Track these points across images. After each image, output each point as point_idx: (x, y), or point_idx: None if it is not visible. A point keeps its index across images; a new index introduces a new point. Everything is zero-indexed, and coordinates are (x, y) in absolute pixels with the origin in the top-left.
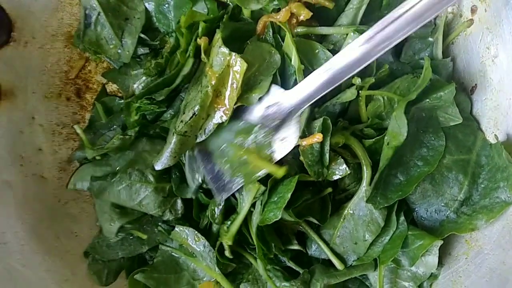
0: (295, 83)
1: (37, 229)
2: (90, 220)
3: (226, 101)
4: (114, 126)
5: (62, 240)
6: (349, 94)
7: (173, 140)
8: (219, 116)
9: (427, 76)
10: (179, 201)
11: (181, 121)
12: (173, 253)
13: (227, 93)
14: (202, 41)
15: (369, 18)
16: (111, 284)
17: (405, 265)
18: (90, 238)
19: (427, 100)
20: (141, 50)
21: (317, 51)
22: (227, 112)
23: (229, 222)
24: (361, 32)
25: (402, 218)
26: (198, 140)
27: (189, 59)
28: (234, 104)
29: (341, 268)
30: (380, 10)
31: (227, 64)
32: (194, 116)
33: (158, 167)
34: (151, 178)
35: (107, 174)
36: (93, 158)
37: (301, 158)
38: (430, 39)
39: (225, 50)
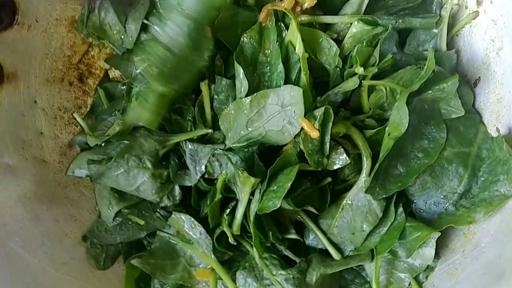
0: (299, 71)
1: (37, 212)
2: (89, 205)
3: None
4: (116, 112)
5: (61, 224)
6: (351, 83)
7: None
8: None
9: (430, 67)
10: (177, 188)
11: None
12: (170, 240)
13: None
14: None
15: (374, 7)
16: (108, 269)
17: (401, 257)
18: (89, 223)
19: (430, 91)
20: (144, 36)
21: (320, 40)
22: None
23: (227, 210)
24: (365, 21)
25: (400, 209)
26: None
27: None
28: None
29: (338, 258)
30: (385, 0)
31: None
32: None
33: None
34: (149, 164)
35: (104, 159)
36: (95, 145)
37: (301, 146)
38: (435, 30)
39: None
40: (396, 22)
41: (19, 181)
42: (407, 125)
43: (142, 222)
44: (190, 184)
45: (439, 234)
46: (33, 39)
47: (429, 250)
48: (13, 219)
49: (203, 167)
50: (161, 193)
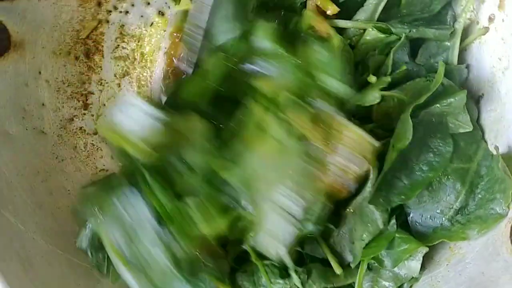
0: None
1: (31, 182)
2: (84, 180)
3: None
4: None
5: (54, 196)
6: (371, 98)
7: None
8: None
9: (438, 80)
10: None
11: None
12: None
13: None
14: None
15: (387, 15)
16: None
17: (387, 266)
18: None
19: (437, 105)
20: None
21: None
22: None
23: None
24: (379, 28)
25: (393, 220)
26: None
27: None
28: None
29: (338, 273)
30: (399, 8)
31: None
32: None
33: None
34: None
35: None
36: None
37: None
38: (447, 43)
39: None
40: (409, 31)
41: (17, 150)
42: (410, 138)
43: None
44: None
45: (427, 249)
46: (43, 10)
47: (415, 264)
48: (8, 187)
49: None
50: None
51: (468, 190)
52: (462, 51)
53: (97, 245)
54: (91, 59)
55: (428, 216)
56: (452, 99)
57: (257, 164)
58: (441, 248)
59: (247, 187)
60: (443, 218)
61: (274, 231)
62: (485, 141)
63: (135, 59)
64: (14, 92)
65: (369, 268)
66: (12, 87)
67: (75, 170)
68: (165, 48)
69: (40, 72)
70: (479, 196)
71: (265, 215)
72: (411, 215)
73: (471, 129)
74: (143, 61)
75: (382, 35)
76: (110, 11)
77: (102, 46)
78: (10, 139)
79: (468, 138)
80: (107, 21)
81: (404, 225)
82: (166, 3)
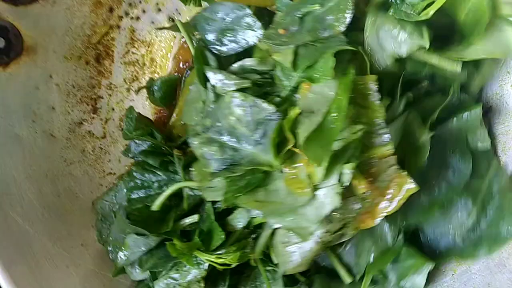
0: None
1: (40, 185)
2: (92, 184)
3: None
4: None
5: (62, 199)
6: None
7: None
8: None
9: (451, 95)
10: None
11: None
12: None
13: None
14: None
15: None
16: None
17: (391, 280)
18: (90, 200)
19: (454, 120)
20: None
21: None
22: None
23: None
24: None
25: (400, 235)
26: None
27: None
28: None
29: (348, 281)
30: None
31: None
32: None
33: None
34: None
35: None
36: None
37: None
38: None
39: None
40: None
41: (26, 153)
42: (426, 156)
43: None
44: None
45: (433, 265)
46: (56, 15)
47: (420, 279)
48: (17, 189)
49: None
50: None
51: (480, 208)
52: None
53: (108, 213)
54: (101, 64)
55: (440, 233)
56: (467, 113)
57: None
58: None
59: None
60: (455, 236)
61: None
62: (497, 158)
63: (144, 64)
64: (25, 96)
65: (374, 281)
66: (24, 90)
67: (83, 173)
68: (174, 53)
69: (51, 76)
70: (491, 213)
71: None
72: (422, 232)
73: (489, 143)
74: (153, 66)
75: None
76: (122, 17)
77: (113, 51)
78: (20, 142)
79: (480, 154)
80: (118, 27)
81: (413, 240)
82: (177, 9)
